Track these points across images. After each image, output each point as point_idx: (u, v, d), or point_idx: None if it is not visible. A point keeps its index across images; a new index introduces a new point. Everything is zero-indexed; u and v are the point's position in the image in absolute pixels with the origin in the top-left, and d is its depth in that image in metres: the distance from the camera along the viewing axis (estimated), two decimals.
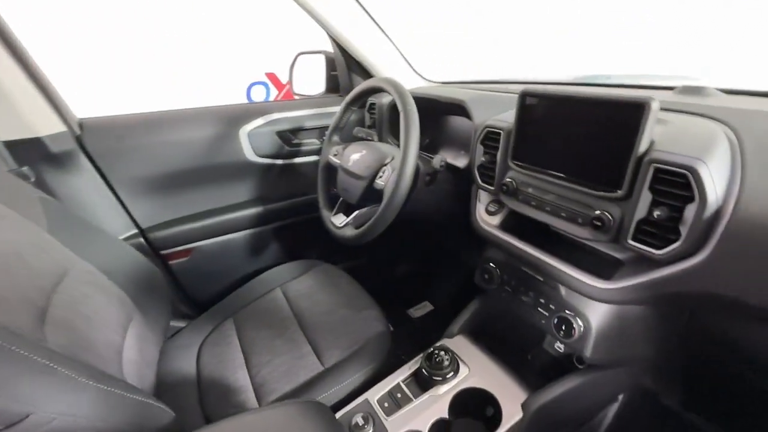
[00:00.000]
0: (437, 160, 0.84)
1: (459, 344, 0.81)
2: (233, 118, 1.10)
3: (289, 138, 1.20)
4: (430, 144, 1.15)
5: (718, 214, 0.46)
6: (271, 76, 3.66)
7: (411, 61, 1.26)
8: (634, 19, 1.92)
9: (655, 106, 0.48)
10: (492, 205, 0.79)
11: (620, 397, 0.77)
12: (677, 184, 0.47)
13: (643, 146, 0.50)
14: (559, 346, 0.81)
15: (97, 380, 0.47)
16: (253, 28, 3.22)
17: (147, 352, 0.77)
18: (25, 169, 0.85)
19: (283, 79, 3.68)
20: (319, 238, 1.38)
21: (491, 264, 0.79)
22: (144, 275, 0.86)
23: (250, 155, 1.14)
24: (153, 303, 0.84)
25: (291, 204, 1.26)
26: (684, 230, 0.47)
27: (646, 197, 0.51)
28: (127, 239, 1.01)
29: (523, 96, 0.63)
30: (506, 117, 0.72)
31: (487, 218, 0.79)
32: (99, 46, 2.63)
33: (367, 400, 0.73)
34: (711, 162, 0.46)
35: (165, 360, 0.88)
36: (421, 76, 1.29)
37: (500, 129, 0.71)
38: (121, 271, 0.79)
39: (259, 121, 1.13)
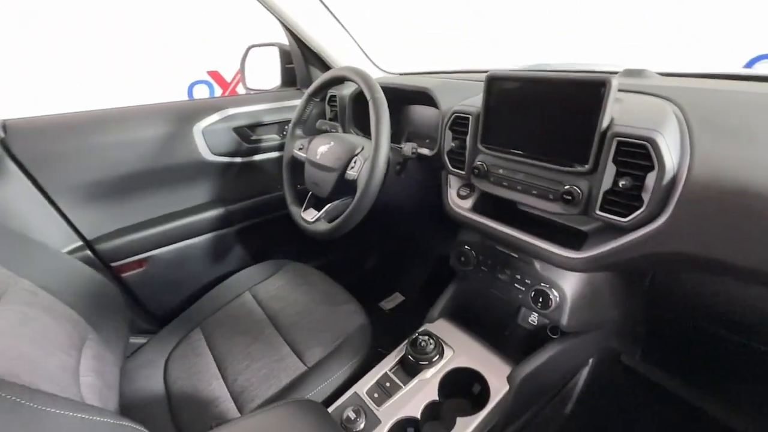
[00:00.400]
0: (408, 148, 0.84)
1: (441, 328, 0.82)
2: (185, 114, 1.02)
3: (248, 134, 1.14)
4: (393, 135, 1.15)
5: (674, 180, 0.50)
6: (215, 75, 3.49)
7: (377, 56, 1.26)
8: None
9: (615, 83, 0.51)
10: (463, 189, 0.81)
11: (591, 360, 0.83)
12: (638, 155, 0.51)
13: (605, 122, 0.53)
14: (533, 320, 0.85)
15: (58, 407, 0.41)
16: (194, 23, 3.03)
17: (107, 373, 0.70)
18: None
19: (228, 76, 3.51)
20: (285, 237, 1.33)
21: (466, 246, 0.81)
22: (95, 290, 0.78)
23: (206, 154, 1.07)
24: (108, 320, 0.77)
25: (253, 204, 1.21)
26: (646, 197, 0.51)
27: (610, 169, 0.54)
28: (71, 252, 0.91)
29: (490, 80, 0.65)
30: (473, 102, 0.73)
31: (459, 202, 0.80)
32: (18, 40, 2.34)
33: (356, 393, 0.72)
34: (665, 133, 0.50)
35: (128, 380, 0.81)
36: (378, 68, 1.29)
37: (468, 113, 0.72)
38: (68, 288, 0.71)
39: (213, 117, 1.06)
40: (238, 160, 1.14)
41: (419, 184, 0.94)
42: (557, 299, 0.67)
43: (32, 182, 0.85)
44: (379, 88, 0.77)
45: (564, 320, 0.67)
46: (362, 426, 0.65)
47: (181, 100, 1.06)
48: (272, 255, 1.20)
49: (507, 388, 0.68)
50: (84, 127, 0.92)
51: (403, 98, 1.03)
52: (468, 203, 0.79)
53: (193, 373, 0.84)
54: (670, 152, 0.50)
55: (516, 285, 0.74)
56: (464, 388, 0.73)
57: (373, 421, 0.66)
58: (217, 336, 0.91)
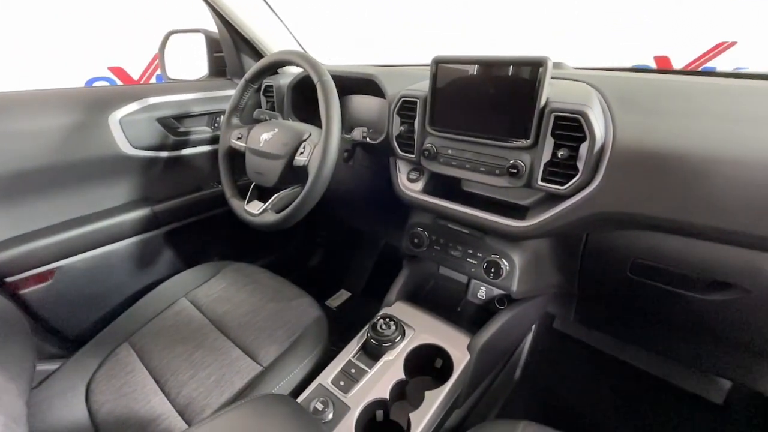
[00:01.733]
0: (358, 132, 0.84)
1: (399, 310, 0.83)
2: (98, 102, 0.89)
3: (174, 126, 1.03)
4: None
5: (603, 148, 0.58)
6: (118, 71, 3.10)
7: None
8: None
9: (550, 63, 0.57)
10: (412, 173, 0.83)
11: (533, 327, 0.90)
12: (572, 128, 0.58)
13: (543, 99, 0.59)
14: (481, 295, 0.90)
15: None
16: (92, 11, 2.66)
17: (11, 407, 0.58)
18: None
19: (135, 73, 3.15)
20: (220, 238, 1.24)
21: (419, 228, 0.83)
22: None
23: (126, 147, 0.94)
24: (5, 345, 0.64)
25: (183, 202, 1.09)
26: (581, 165, 0.58)
27: (549, 142, 0.60)
28: None
29: (436, 63, 0.68)
30: (419, 87, 0.76)
31: (409, 185, 0.82)
32: None
33: (321, 385, 0.69)
34: (593, 108, 0.57)
35: (39, 412, 0.68)
36: None
37: (416, 97, 0.74)
38: None
39: (133, 106, 0.94)
40: (164, 154, 1.03)
41: (367, 171, 0.94)
42: (507, 268, 0.72)
43: None
44: (326, 71, 0.76)
45: (514, 286, 0.72)
46: (331, 416, 0.63)
47: (91, 87, 0.93)
48: (206, 258, 1.11)
49: (468, 357, 0.71)
50: None
51: (345, 87, 1.02)
52: (418, 186, 0.81)
53: (124, 394, 0.73)
54: (599, 124, 0.57)
55: (468, 259, 0.77)
56: (427, 365, 0.75)
57: (342, 408, 0.64)
58: (151, 349, 0.80)
